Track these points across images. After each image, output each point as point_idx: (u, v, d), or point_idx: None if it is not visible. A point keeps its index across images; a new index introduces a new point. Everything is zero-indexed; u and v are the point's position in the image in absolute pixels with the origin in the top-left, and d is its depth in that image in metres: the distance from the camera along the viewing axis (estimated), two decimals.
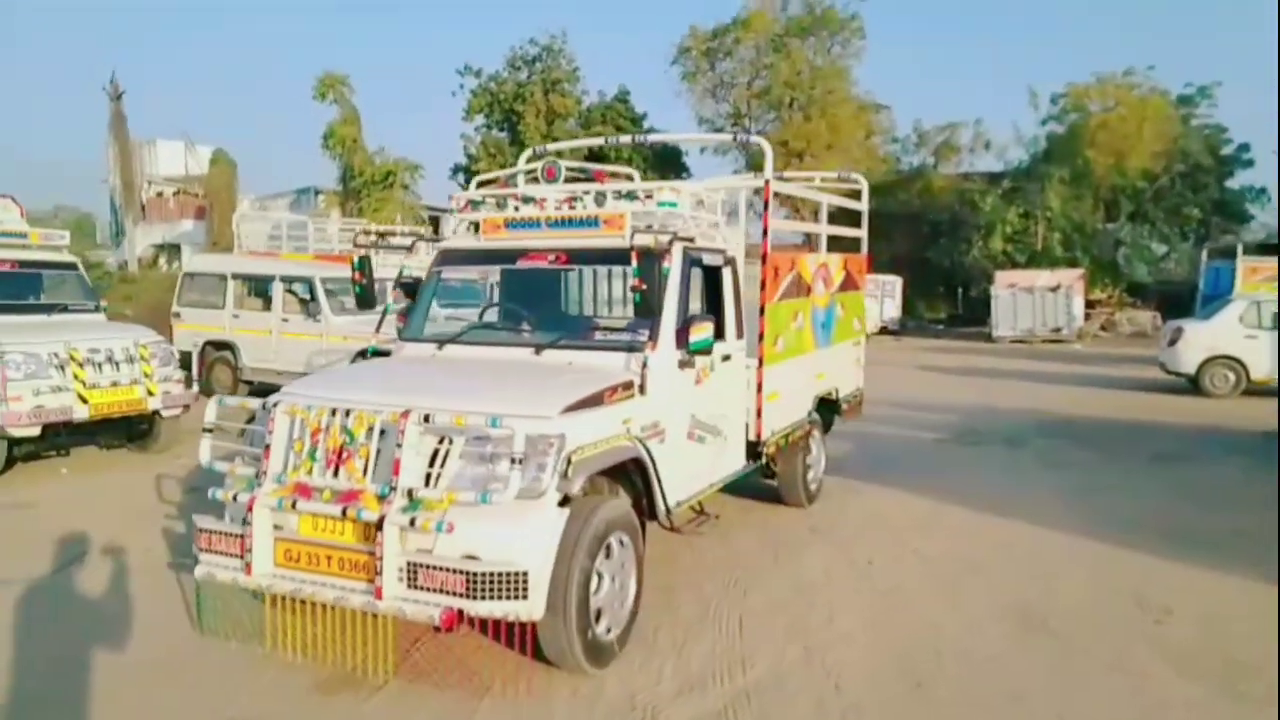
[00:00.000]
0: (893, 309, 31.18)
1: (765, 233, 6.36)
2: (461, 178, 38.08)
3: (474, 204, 5.95)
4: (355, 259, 5.71)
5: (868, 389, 9.13)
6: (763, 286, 6.34)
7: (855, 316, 8.64)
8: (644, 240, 4.92)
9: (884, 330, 29.50)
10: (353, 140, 34.63)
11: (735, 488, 7.66)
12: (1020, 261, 32.89)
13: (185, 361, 11.55)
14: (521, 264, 5.68)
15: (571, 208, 5.54)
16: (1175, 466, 9.59)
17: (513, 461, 3.94)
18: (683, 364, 5.23)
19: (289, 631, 4.33)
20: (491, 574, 3.87)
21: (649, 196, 5.42)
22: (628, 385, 4.78)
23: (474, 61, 41.72)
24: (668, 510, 5.07)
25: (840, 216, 8.43)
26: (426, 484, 4.12)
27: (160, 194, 37.67)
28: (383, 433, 4.20)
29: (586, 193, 5.54)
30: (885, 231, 36.99)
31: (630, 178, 5.64)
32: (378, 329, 5.89)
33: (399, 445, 4.09)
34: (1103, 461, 9.79)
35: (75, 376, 8.68)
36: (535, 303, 5.94)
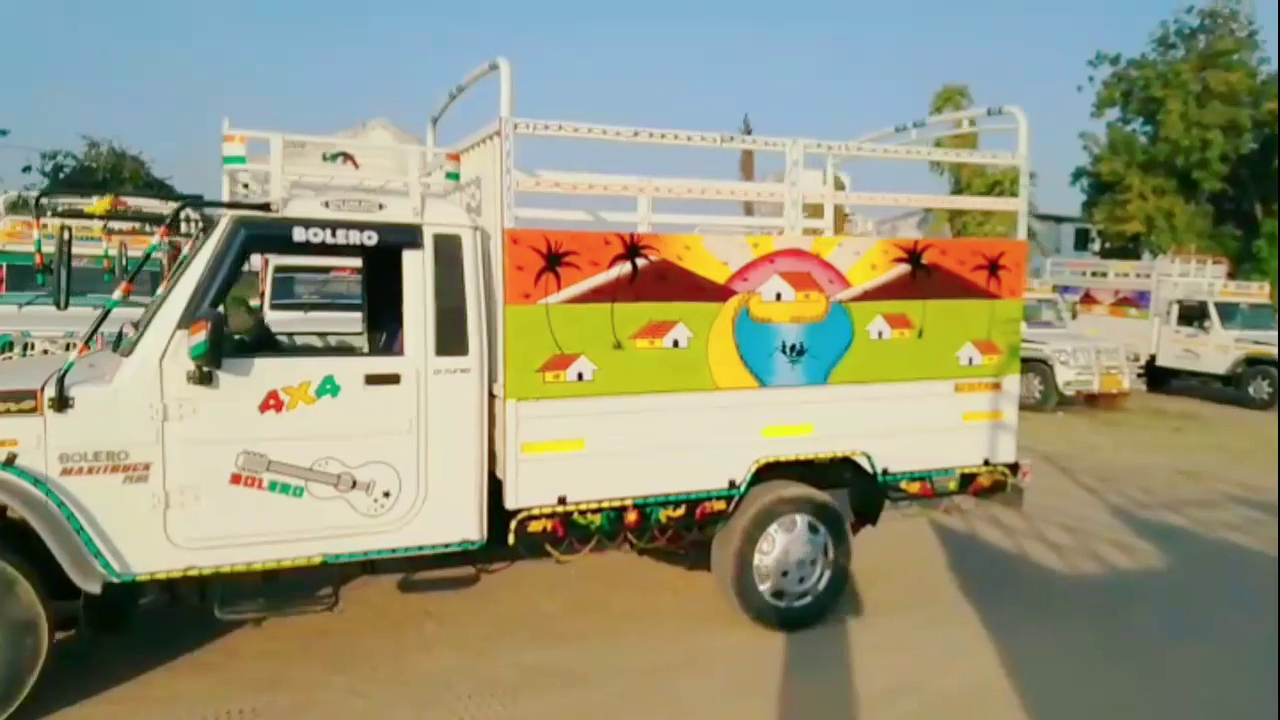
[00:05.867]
0: None
1: (501, 193, 4.22)
2: (1084, 183, 33.18)
3: None
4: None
5: None
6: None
7: (966, 340, 5.23)
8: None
9: None
10: None
11: None
12: None
13: None
14: None
15: None
16: None
17: None
18: (200, 377, 3.76)
19: None
20: None
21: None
22: (18, 396, 3.62)
23: (1109, 48, 35.99)
24: (110, 577, 3.71)
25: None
26: None
27: None
28: None
29: None
30: None
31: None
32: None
33: None
34: None
35: None
36: None
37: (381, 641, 4.70)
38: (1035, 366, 14.32)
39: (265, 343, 4.85)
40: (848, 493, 5.34)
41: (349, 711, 3.98)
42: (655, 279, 4.47)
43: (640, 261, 4.43)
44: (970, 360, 5.24)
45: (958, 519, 7.11)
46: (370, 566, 4.53)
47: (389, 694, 4.13)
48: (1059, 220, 39.97)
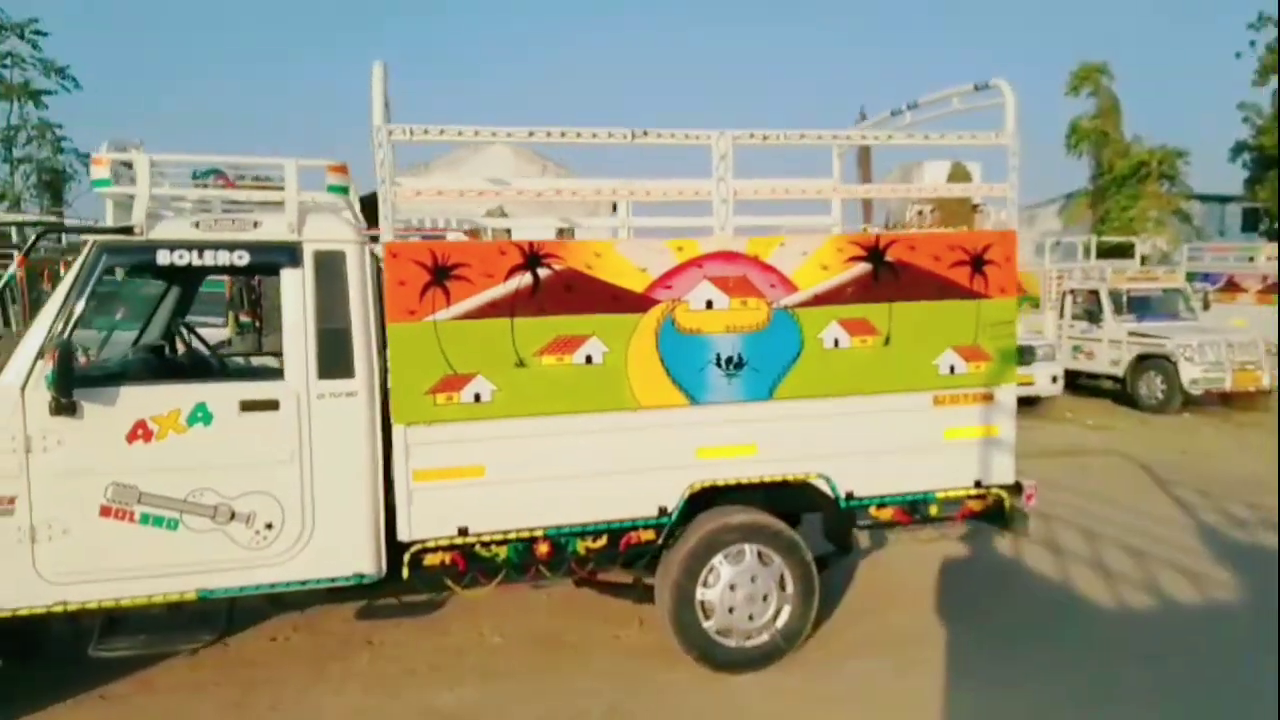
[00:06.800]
0: None
1: (379, 205, 3.94)
2: (1245, 158, 30.26)
3: None
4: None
5: None
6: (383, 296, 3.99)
7: (946, 346, 4.59)
8: None
9: None
10: (1101, 133, 30.65)
11: None
12: None
13: None
14: None
15: None
16: None
17: None
18: (57, 407, 3.65)
19: None
20: None
21: None
22: None
23: (1272, 9, 32.64)
24: None
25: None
26: None
27: (920, 213, 38.54)
28: None
29: None
30: None
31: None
32: None
33: None
34: None
35: None
36: None
37: (301, 674, 4.52)
38: (1157, 364, 12.99)
39: (194, 368, 4.76)
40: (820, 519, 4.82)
41: None
42: (561, 290, 4.10)
43: (542, 272, 4.07)
44: (952, 369, 4.60)
45: (1007, 539, 6.41)
46: (275, 599, 4.33)
47: None
48: (1223, 200, 36.67)
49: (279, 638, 4.97)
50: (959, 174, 35.26)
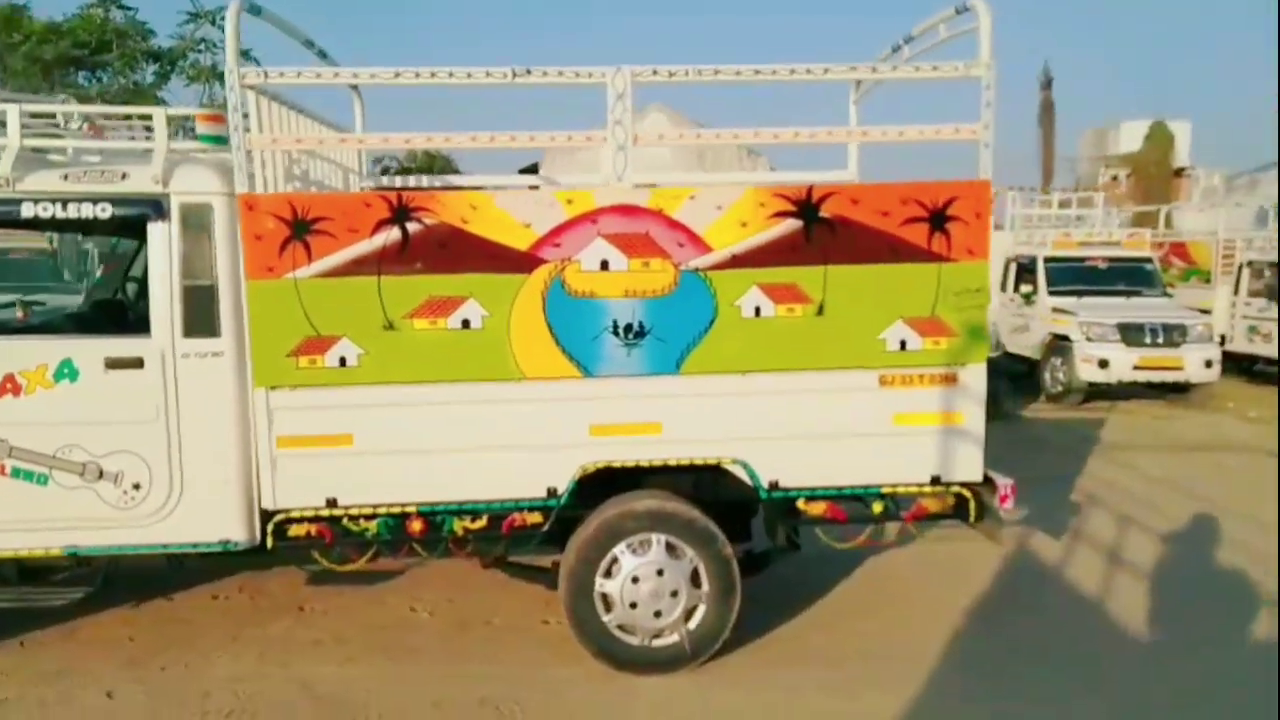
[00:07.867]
0: None
1: (237, 148, 3.72)
2: None
3: None
4: None
5: None
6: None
7: (895, 317, 3.91)
8: None
9: None
10: None
11: None
12: None
13: None
14: None
15: None
16: None
17: None
18: None
19: None
20: None
21: None
22: None
23: None
24: None
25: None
26: None
27: (1114, 178, 35.16)
28: None
29: None
30: None
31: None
32: None
33: None
34: None
35: None
36: None
37: (216, 636, 4.47)
38: None
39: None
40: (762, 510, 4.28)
41: (82, 710, 3.78)
42: (434, 247, 3.76)
43: (412, 226, 3.75)
44: (903, 344, 3.91)
45: (1050, 539, 5.60)
46: (177, 561, 4.26)
47: (140, 699, 3.87)
48: None
49: (220, 596, 4.96)
50: (1158, 133, 31.83)
